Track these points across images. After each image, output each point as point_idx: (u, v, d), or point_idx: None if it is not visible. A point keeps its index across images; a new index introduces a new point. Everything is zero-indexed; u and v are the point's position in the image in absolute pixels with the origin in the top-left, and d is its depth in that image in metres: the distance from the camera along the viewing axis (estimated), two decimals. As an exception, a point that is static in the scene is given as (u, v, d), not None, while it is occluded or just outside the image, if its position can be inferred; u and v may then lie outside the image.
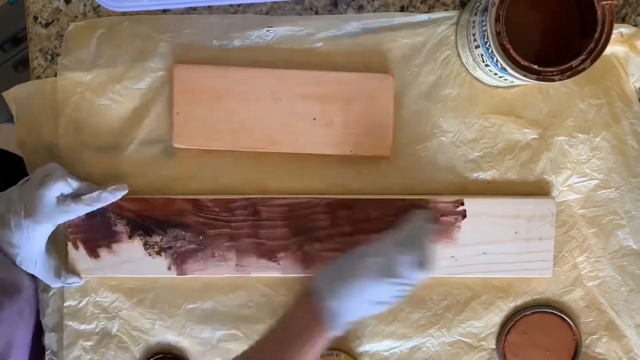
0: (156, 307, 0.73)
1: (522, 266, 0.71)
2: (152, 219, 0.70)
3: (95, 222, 0.70)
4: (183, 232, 0.70)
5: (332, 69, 0.69)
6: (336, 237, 0.70)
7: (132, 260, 0.70)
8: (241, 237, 0.70)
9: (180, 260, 0.70)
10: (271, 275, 0.71)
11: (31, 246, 0.66)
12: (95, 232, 0.70)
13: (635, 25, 0.70)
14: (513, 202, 0.70)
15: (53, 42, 0.72)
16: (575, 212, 0.72)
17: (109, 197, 0.67)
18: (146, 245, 0.70)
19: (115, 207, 0.69)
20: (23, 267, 0.67)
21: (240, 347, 0.73)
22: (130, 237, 0.70)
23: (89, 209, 0.67)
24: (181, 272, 0.71)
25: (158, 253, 0.70)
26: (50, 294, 0.73)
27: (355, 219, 0.70)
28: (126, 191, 0.68)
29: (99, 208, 0.67)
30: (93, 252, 0.70)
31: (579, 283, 0.73)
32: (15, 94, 0.71)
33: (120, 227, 0.70)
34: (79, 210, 0.66)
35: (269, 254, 0.70)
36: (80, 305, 0.73)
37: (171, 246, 0.70)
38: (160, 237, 0.70)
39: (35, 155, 0.72)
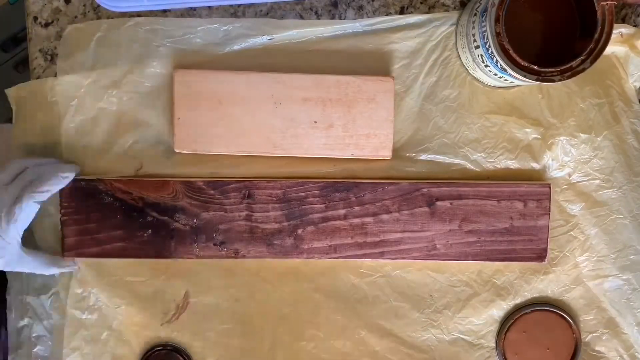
0: (156, 302, 0.73)
1: (517, 253, 0.71)
2: (146, 201, 0.70)
3: (87, 204, 0.70)
4: (177, 215, 0.70)
5: (332, 72, 0.69)
6: (330, 221, 0.71)
7: (124, 242, 0.71)
8: (235, 220, 0.71)
9: (174, 243, 0.71)
10: (264, 259, 0.71)
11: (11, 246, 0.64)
12: (88, 214, 0.70)
13: (635, 26, 0.70)
14: (508, 186, 0.70)
15: (53, 42, 0.72)
16: (577, 212, 0.72)
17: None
18: (140, 228, 0.70)
19: (108, 187, 0.70)
20: (8, 269, 0.66)
21: (239, 342, 0.74)
22: (123, 219, 0.70)
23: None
24: (174, 255, 0.71)
25: (152, 235, 0.70)
26: (48, 294, 0.73)
27: (349, 202, 0.70)
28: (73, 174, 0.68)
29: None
30: (85, 233, 0.70)
31: (579, 282, 0.73)
32: (16, 93, 0.71)
33: (113, 209, 0.70)
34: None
35: (263, 238, 0.71)
36: (84, 294, 0.73)
37: (165, 229, 0.70)
38: (154, 219, 0.70)
39: (31, 156, 0.72)
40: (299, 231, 0.71)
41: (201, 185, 0.70)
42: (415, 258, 0.71)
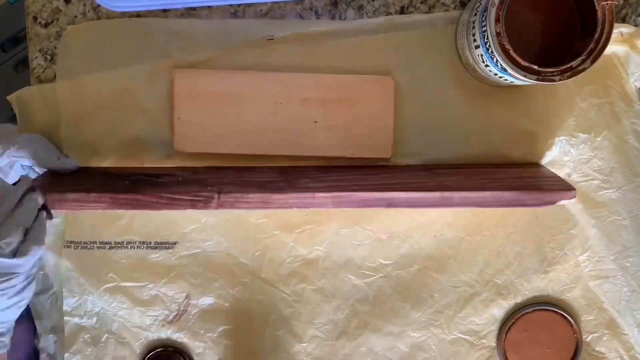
0: (157, 304, 0.73)
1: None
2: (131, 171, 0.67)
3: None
4: (163, 177, 0.66)
5: (332, 72, 0.69)
6: (332, 174, 0.66)
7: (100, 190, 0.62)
8: (226, 178, 0.66)
9: (151, 188, 0.63)
10: (253, 210, 0.62)
11: None
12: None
13: (635, 25, 0.70)
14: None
15: (53, 42, 0.72)
16: (577, 212, 0.72)
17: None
18: (120, 180, 0.65)
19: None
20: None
21: (240, 343, 0.74)
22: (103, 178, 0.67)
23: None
24: (149, 196, 0.62)
25: (131, 184, 0.64)
26: (48, 294, 0.73)
27: (351, 174, 0.67)
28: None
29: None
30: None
31: (580, 281, 0.73)
32: (18, 97, 0.71)
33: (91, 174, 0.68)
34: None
35: (256, 184, 0.64)
36: (80, 301, 0.73)
37: (147, 182, 0.64)
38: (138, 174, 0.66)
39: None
40: (295, 180, 0.65)
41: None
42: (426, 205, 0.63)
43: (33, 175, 0.67)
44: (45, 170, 0.66)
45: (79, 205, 0.61)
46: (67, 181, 0.65)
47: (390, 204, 0.62)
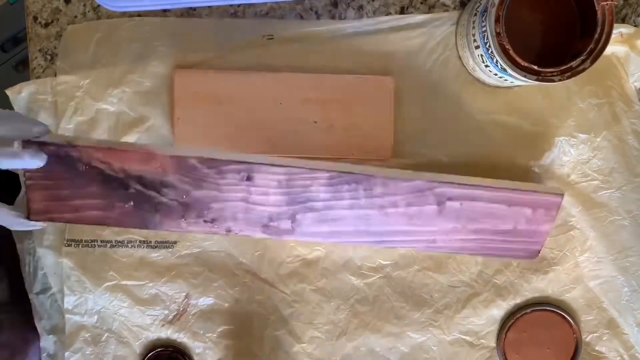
0: (157, 304, 0.73)
1: (510, 251, 0.69)
2: (128, 172, 0.62)
3: (57, 170, 0.61)
4: (164, 190, 0.63)
5: (332, 72, 0.70)
6: (333, 210, 0.66)
7: (103, 211, 0.63)
8: (229, 200, 0.64)
9: (159, 216, 0.64)
10: (253, 236, 0.66)
11: None
12: (58, 180, 0.61)
13: (635, 25, 0.70)
14: (525, 193, 0.66)
15: (53, 42, 0.72)
16: (576, 213, 0.72)
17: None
18: (120, 199, 0.63)
19: (83, 155, 0.60)
20: None
21: (240, 343, 0.74)
22: (100, 188, 0.62)
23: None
24: (159, 227, 0.64)
25: (134, 207, 0.63)
26: (47, 294, 0.73)
27: (357, 194, 0.65)
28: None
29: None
30: (56, 199, 0.62)
31: (579, 282, 0.73)
32: (16, 93, 0.71)
33: (88, 178, 0.61)
34: None
35: (258, 220, 0.65)
36: (81, 299, 0.73)
37: (150, 202, 0.63)
38: (137, 191, 0.63)
39: None
40: (298, 216, 0.66)
41: (195, 163, 0.62)
42: (412, 248, 0.68)
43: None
44: (40, 165, 0.59)
45: (74, 222, 0.65)
46: (59, 194, 0.62)
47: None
